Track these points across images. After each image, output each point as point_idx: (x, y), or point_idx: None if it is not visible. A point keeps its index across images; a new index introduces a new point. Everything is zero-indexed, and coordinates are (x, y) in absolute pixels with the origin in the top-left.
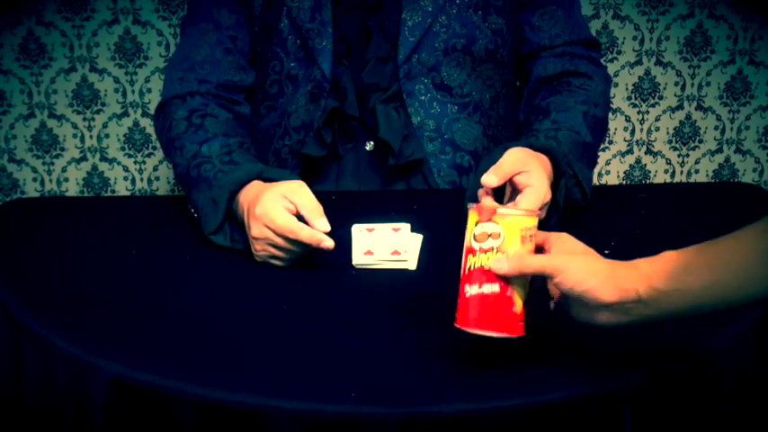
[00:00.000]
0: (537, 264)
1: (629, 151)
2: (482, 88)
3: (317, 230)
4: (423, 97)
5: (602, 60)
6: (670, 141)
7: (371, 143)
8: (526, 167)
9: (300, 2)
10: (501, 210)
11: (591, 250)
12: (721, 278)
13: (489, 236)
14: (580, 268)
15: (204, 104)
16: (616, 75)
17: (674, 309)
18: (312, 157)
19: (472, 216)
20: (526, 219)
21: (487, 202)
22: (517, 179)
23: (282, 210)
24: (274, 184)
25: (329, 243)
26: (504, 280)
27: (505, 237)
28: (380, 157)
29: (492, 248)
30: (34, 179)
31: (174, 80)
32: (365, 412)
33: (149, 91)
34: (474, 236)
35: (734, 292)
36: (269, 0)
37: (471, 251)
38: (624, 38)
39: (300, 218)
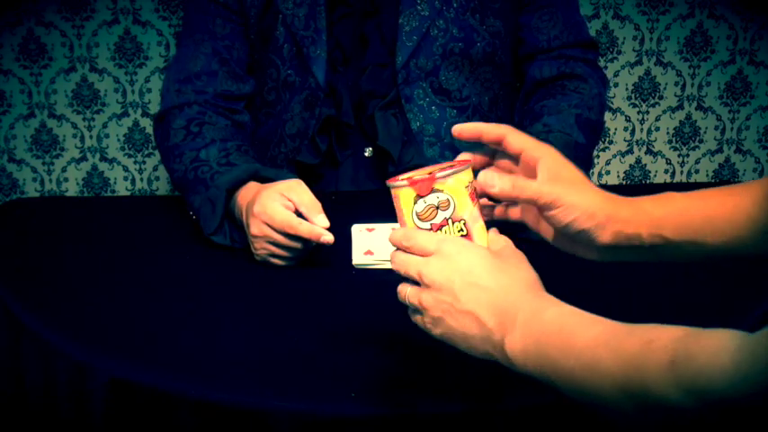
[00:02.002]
0: (529, 192)
1: (629, 151)
2: (480, 91)
3: (316, 225)
4: (421, 102)
5: (601, 60)
6: (670, 141)
7: (370, 149)
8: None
9: (295, 9)
10: (439, 173)
11: (579, 174)
12: (744, 234)
13: (437, 208)
14: (577, 205)
15: (202, 113)
16: (616, 75)
17: (680, 257)
18: (308, 164)
19: (405, 193)
20: (466, 173)
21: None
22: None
23: (281, 207)
24: (272, 183)
25: (329, 237)
26: None
27: (456, 203)
28: (379, 162)
29: (446, 221)
30: (34, 179)
31: (172, 92)
32: (365, 412)
33: (149, 91)
34: (417, 214)
35: (754, 249)
36: (264, 8)
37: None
38: (624, 38)
39: (300, 215)
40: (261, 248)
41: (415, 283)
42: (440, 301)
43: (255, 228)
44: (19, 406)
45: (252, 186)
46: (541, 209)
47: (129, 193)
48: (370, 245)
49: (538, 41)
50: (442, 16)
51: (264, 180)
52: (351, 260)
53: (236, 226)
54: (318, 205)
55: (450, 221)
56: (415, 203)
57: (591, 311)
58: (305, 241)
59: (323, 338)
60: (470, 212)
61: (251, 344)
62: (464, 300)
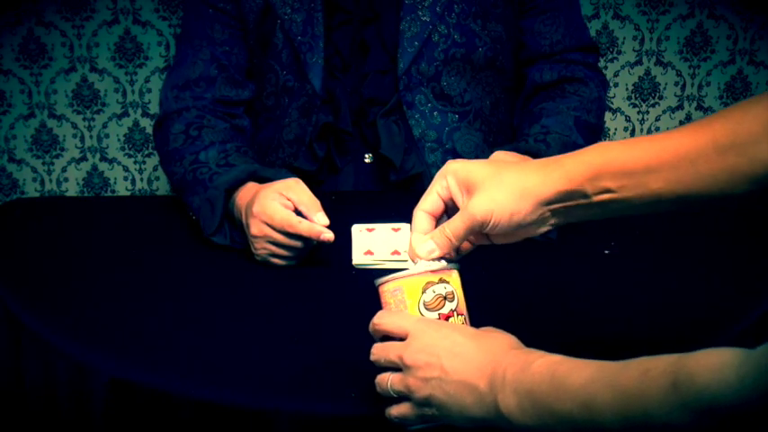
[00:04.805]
0: (462, 227)
1: None
2: (482, 95)
3: (316, 224)
4: (423, 108)
5: (601, 60)
6: None
7: (370, 155)
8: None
9: (293, 15)
10: (449, 264)
11: (490, 166)
12: (687, 178)
13: (445, 298)
14: (507, 203)
15: (200, 117)
16: (616, 75)
17: (628, 210)
18: (306, 170)
19: (415, 282)
20: (457, 269)
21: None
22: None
23: (280, 206)
24: (270, 183)
25: (329, 235)
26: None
27: (458, 296)
28: (380, 168)
29: (452, 312)
30: (34, 179)
31: (170, 98)
32: (365, 412)
33: (149, 91)
34: (425, 304)
35: (697, 192)
36: (263, 13)
37: None
38: (624, 38)
39: (299, 214)
40: (261, 248)
41: (396, 369)
42: (428, 378)
43: (255, 228)
44: (19, 406)
45: (251, 187)
46: (482, 228)
47: (129, 193)
48: (370, 245)
49: (540, 46)
50: (444, 22)
51: (263, 180)
52: (351, 260)
53: (236, 226)
54: (317, 203)
55: (455, 314)
56: (423, 292)
57: (591, 310)
58: (305, 240)
59: (323, 338)
60: (466, 308)
61: (251, 344)
62: (452, 371)
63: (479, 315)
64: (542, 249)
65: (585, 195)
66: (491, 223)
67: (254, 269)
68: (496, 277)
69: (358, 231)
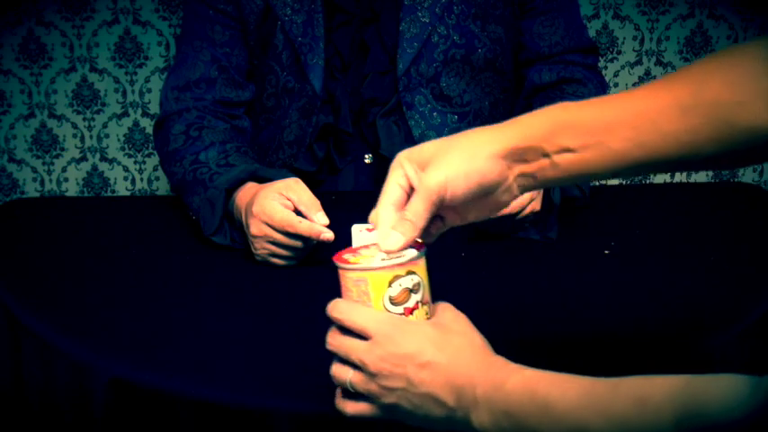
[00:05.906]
0: (427, 200)
1: None
2: (481, 96)
3: (316, 223)
4: (423, 108)
5: (601, 60)
6: None
7: (370, 156)
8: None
9: (293, 16)
10: (417, 254)
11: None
12: (646, 139)
13: (411, 291)
14: (465, 170)
15: (201, 117)
16: (616, 75)
17: (595, 175)
18: (306, 171)
19: (382, 276)
20: (424, 255)
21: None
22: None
23: (280, 206)
24: (270, 183)
25: (329, 234)
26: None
27: (424, 284)
28: (380, 168)
29: (417, 304)
30: (34, 179)
31: (170, 99)
32: None
33: (149, 91)
34: (390, 299)
35: (660, 154)
36: (263, 14)
37: None
38: (624, 38)
39: (299, 214)
40: (261, 248)
41: (357, 366)
42: (393, 388)
43: (255, 228)
44: (19, 406)
45: (250, 187)
46: (443, 201)
47: (129, 193)
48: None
49: (539, 47)
50: (443, 23)
51: (263, 180)
52: None
53: (236, 226)
54: (317, 203)
55: (420, 305)
56: (389, 286)
57: (591, 310)
58: (305, 240)
59: (322, 338)
60: (431, 294)
61: (251, 344)
62: (418, 382)
63: (479, 315)
64: (542, 249)
65: (545, 154)
66: (448, 191)
67: (254, 269)
68: (496, 277)
69: (358, 231)
